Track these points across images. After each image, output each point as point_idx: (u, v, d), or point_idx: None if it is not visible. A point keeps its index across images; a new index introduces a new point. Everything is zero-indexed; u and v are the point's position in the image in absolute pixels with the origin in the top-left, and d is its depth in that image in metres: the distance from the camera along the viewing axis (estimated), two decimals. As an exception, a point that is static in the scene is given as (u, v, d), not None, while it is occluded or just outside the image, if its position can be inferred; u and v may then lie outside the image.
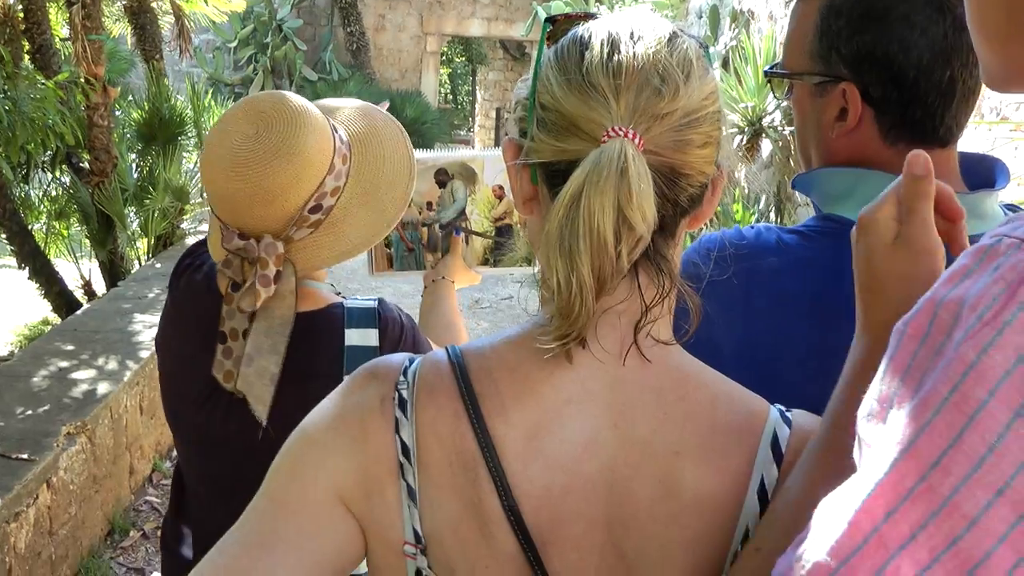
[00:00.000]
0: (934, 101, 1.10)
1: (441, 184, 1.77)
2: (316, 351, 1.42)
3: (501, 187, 1.75)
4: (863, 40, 1.11)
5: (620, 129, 0.79)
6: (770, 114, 7.73)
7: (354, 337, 1.42)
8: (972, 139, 3.92)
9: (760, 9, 9.19)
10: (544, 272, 0.82)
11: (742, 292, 1.10)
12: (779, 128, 7.69)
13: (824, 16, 1.14)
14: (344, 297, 1.51)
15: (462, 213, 1.78)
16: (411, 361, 0.91)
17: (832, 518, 0.57)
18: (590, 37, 0.85)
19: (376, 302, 1.47)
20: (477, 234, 1.79)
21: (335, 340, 1.42)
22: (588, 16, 0.91)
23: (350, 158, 1.44)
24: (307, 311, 1.42)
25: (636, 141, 0.79)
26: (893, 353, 0.61)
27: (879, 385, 0.61)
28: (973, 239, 1.11)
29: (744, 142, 7.99)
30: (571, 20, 0.91)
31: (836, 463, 0.75)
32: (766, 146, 8.22)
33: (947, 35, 1.08)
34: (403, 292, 7.50)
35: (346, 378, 0.95)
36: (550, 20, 0.92)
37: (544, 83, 0.86)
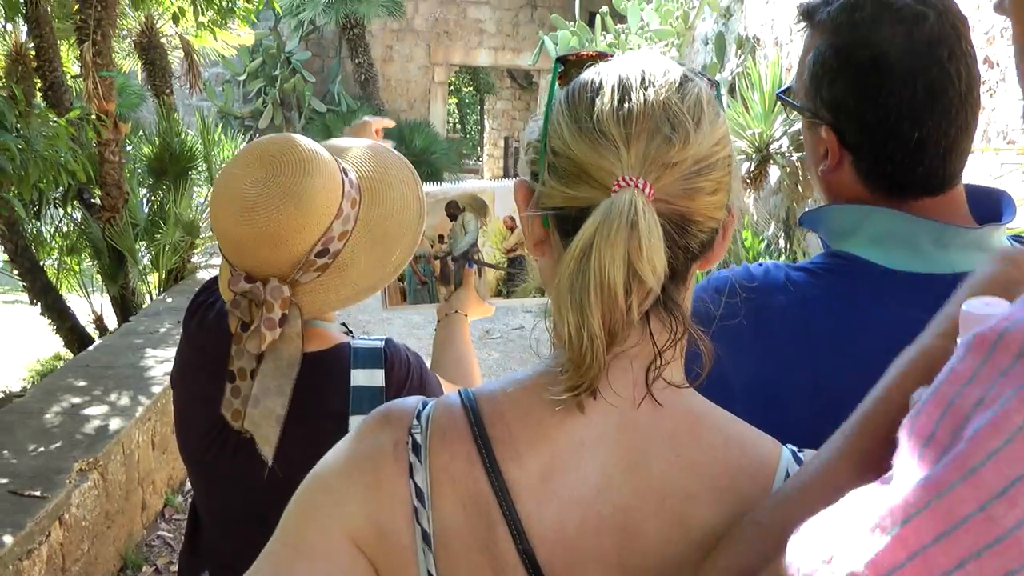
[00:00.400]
0: (903, 158, 1.12)
1: (452, 217, 1.77)
2: (322, 391, 1.42)
3: (512, 219, 1.75)
4: (837, 88, 1.14)
5: (630, 179, 0.79)
6: (777, 140, 7.74)
7: (360, 377, 1.42)
8: (979, 165, 3.92)
9: (766, 35, 9.23)
10: (555, 322, 0.82)
11: (751, 331, 1.10)
12: (787, 154, 7.70)
13: (815, 57, 1.16)
14: (352, 336, 1.51)
15: (474, 245, 1.78)
16: (424, 405, 0.91)
17: (870, 526, 0.55)
18: (601, 82, 0.85)
19: (383, 342, 1.47)
20: (489, 266, 1.79)
21: (341, 380, 1.42)
22: (599, 56, 0.91)
23: (359, 202, 1.44)
24: (314, 351, 1.43)
25: (646, 191, 0.79)
26: (954, 364, 0.59)
27: (934, 393, 0.59)
28: None
29: (752, 168, 8.00)
30: (582, 60, 0.91)
31: (868, 448, 0.73)
32: (774, 172, 8.22)
33: (916, 96, 1.09)
34: (414, 323, 7.51)
35: (359, 422, 0.95)
36: (561, 60, 0.93)
37: (555, 127, 0.86)
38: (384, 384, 1.42)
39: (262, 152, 1.38)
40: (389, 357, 1.45)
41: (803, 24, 1.21)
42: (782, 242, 8.10)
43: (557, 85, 0.91)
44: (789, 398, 1.10)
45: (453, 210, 1.77)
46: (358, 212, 1.43)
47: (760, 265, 1.18)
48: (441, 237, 1.78)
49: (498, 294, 1.82)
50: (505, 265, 1.79)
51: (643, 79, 0.84)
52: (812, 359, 1.11)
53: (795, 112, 1.26)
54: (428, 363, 1.59)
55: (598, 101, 0.83)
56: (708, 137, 0.83)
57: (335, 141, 1.57)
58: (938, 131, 1.10)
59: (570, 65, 0.92)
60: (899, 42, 1.09)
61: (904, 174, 1.13)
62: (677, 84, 0.84)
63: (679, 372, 0.88)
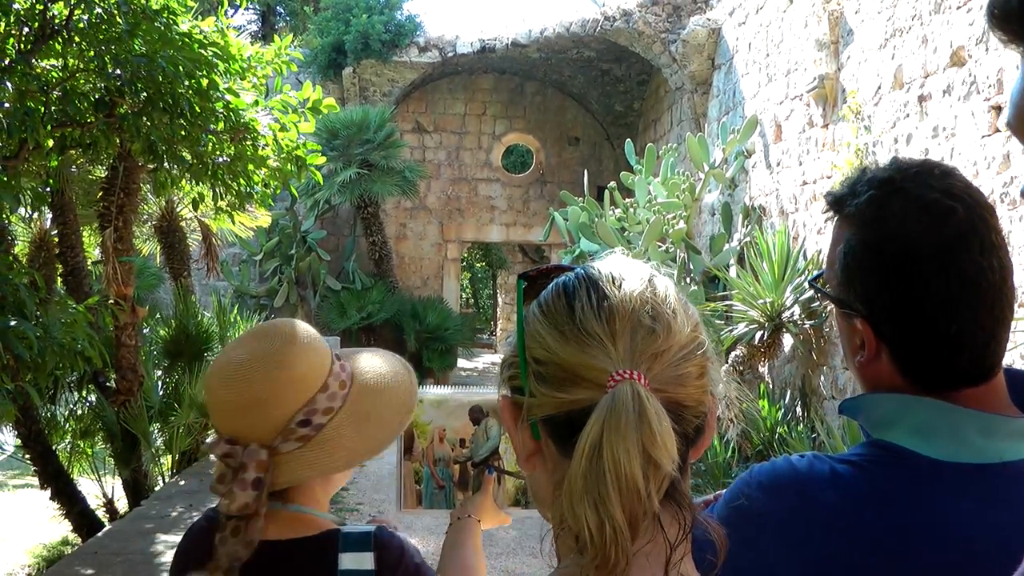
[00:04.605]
0: (942, 352, 1.10)
1: (475, 421, 1.75)
2: None
3: None
4: (870, 283, 1.13)
5: (624, 372, 0.80)
6: (789, 308, 7.78)
7: (347, 561, 1.42)
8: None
9: (771, 205, 9.41)
10: (569, 524, 0.80)
11: (796, 526, 1.07)
12: (799, 322, 7.72)
13: (845, 250, 1.16)
14: (342, 524, 1.50)
15: (495, 452, 1.75)
16: None
17: None
18: (574, 287, 0.88)
19: (375, 527, 1.47)
20: (510, 474, 1.74)
21: (329, 566, 1.42)
22: (560, 269, 0.94)
23: (349, 386, 1.47)
24: (300, 537, 1.44)
25: (642, 381, 0.80)
26: None
27: None
28: None
29: (765, 337, 8.02)
30: (546, 274, 0.95)
31: None
32: (787, 340, 8.23)
33: (951, 289, 1.08)
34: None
35: None
36: (523, 277, 0.95)
37: (534, 338, 0.88)
38: (374, 568, 1.42)
39: (257, 330, 1.47)
40: (379, 540, 1.45)
41: (831, 213, 1.21)
42: (799, 410, 8.02)
43: (523, 303, 0.93)
44: None
45: (476, 415, 1.75)
46: (347, 394, 1.46)
47: (803, 457, 1.15)
48: (463, 441, 1.76)
49: (516, 503, 1.77)
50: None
51: (613, 278, 0.87)
52: (861, 556, 1.06)
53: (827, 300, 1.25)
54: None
55: (576, 304, 0.86)
56: (686, 324, 0.86)
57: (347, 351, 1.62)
58: (975, 324, 1.08)
59: (532, 280, 0.95)
60: (929, 237, 1.09)
61: (943, 367, 1.11)
62: (647, 279, 0.88)
63: (691, 566, 0.88)
